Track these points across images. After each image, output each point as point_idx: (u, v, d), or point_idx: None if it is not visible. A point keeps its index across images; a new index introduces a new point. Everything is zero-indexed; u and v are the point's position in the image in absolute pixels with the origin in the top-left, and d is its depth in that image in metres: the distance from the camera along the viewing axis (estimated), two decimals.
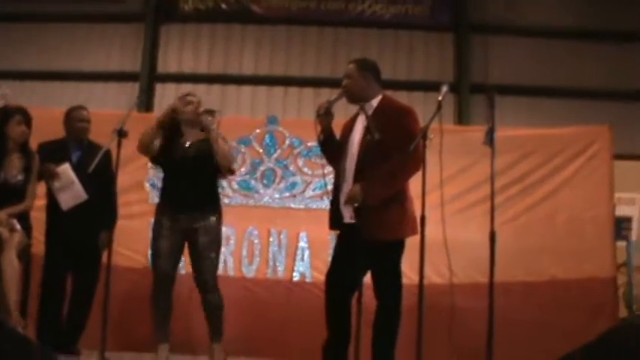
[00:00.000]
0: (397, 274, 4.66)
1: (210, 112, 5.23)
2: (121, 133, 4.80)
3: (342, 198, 4.64)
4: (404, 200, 4.69)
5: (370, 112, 4.66)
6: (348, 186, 4.61)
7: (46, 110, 6.88)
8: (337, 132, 4.90)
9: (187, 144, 5.29)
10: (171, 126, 5.32)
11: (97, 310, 5.72)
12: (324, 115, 4.71)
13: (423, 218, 4.41)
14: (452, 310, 5.05)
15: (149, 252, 6.69)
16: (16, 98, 8.46)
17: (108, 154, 5.50)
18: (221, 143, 5.20)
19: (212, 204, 5.35)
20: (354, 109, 4.93)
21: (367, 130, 4.42)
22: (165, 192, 5.39)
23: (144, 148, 5.33)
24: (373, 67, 4.90)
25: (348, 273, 4.55)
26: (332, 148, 4.82)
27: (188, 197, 5.20)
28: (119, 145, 4.82)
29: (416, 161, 4.48)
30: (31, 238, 5.56)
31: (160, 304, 5.25)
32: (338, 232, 4.84)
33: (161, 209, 5.32)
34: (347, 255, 4.61)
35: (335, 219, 4.75)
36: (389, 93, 10.40)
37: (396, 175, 4.56)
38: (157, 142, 5.28)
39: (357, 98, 4.78)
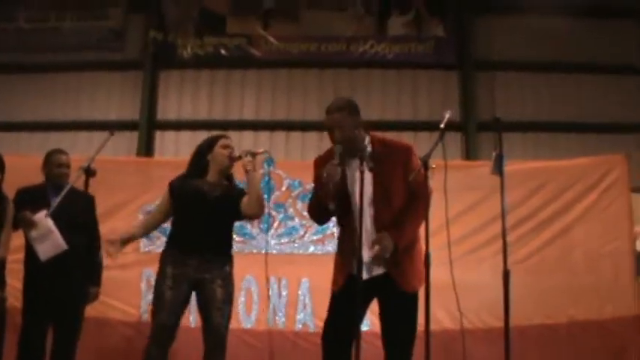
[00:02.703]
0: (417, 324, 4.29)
1: (252, 154, 4.79)
2: (89, 172, 4.47)
3: (366, 254, 4.17)
4: (421, 246, 4.36)
5: (367, 155, 4.20)
6: (367, 244, 4.17)
7: (28, 158, 6.60)
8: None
9: (211, 185, 4.88)
10: (199, 164, 4.97)
11: None
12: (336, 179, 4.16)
13: (427, 256, 4.07)
14: (464, 356, 4.65)
15: (142, 304, 6.44)
16: (13, 149, 8.28)
17: (91, 200, 5.17)
18: (258, 189, 4.81)
19: (226, 252, 4.91)
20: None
21: (360, 160, 4.03)
22: (174, 236, 4.89)
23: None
24: (357, 107, 4.41)
25: (349, 325, 4.14)
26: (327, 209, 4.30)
27: (201, 243, 4.75)
28: (86, 184, 4.49)
29: (429, 196, 4.23)
30: (4, 292, 5.18)
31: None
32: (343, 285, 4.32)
33: (167, 255, 4.82)
34: (352, 307, 4.11)
35: (349, 278, 4.22)
36: (394, 134, 10.23)
37: (419, 215, 4.18)
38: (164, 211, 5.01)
39: (354, 147, 4.27)
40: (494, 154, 4.39)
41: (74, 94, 11.32)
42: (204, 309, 4.75)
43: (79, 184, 5.02)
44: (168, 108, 11.32)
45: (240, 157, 4.84)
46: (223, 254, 4.87)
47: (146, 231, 5.08)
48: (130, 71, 11.42)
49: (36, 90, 11.25)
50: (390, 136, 8.92)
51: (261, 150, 4.94)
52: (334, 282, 4.37)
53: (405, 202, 4.20)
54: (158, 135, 11.16)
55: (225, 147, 4.97)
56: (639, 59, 10.89)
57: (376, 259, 4.13)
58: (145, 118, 11.04)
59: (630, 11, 11.04)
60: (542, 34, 10.95)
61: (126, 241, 4.85)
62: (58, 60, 11.32)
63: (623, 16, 11.10)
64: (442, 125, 4.29)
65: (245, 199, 4.82)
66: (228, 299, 4.79)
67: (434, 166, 4.11)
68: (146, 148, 10.87)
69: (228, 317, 4.77)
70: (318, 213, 4.47)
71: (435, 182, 4.28)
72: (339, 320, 4.28)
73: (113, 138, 10.66)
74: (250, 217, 5.08)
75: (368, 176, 4.21)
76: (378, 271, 4.19)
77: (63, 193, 4.66)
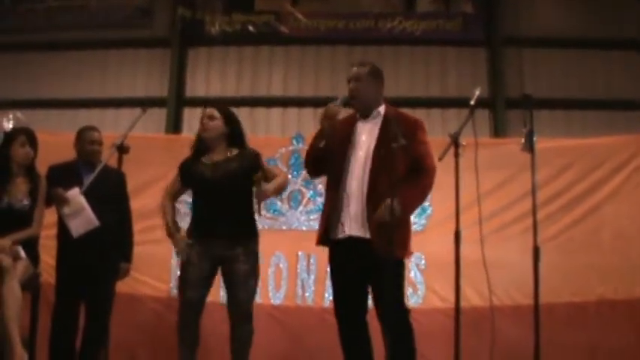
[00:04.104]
0: (404, 294, 4.44)
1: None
2: (121, 149, 4.51)
3: (347, 215, 4.28)
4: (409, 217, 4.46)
5: (380, 121, 4.35)
6: (356, 202, 4.25)
7: (57, 135, 6.66)
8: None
9: (214, 166, 4.83)
10: (199, 143, 4.95)
11: (119, 341, 5.53)
12: (334, 119, 4.29)
13: (457, 234, 4.09)
14: (493, 334, 4.65)
15: (172, 279, 6.52)
16: (42, 126, 8.34)
17: (122, 177, 5.22)
18: (271, 191, 4.76)
19: (249, 228, 4.89)
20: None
21: (392, 136, 4.01)
22: (196, 216, 4.91)
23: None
24: (382, 74, 4.54)
25: (359, 293, 4.32)
26: (324, 157, 4.41)
27: (222, 221, 4.73)
28: (120, 161, 4.53)
29: (434, 173, 4.32)
30: (38, 268, 5.27)
31: (187, 336, 4.75)
32: (331, 247, 4.44)
33: (191, 234, 4.84)
34: (355, 273, 4.28)
35: (327, 234, 4.38)
36: (422, 111, 10.18)
37: (424, 190, 4.33)
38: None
39: (363, 105, 4.41)
40: (524, 130, 4.36)
41: (101, 72, 11.38)
42: (228, 286, 4.80)
43: (112, 161, 5.07)
44: (197, 85, 11.37)
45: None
46: (245, 231, 4.86)
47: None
48: (157, 48, 11.47)
49: (64, 67, 11.33)
50: (419, 113, 8.96)
51: None
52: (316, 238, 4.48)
53: (405, 173, 4.20)
54: (186, 112, 11.20)
55: (210, 118, 4.92)
56: None
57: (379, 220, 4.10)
58: (173, 95, 11.10)
59: None
60: (571, 10, 10.86)
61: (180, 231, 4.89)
62: (86, 38, 11.39)
63: None
64: (472, 102, 4.29)
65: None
66: (253, 274, 4.80)
67: (464, 143, 4.12)
68: (174, 125, 10.92)
69: (252, 292, 4.81)
70: (311, 156, 4.51)
71: (465, 160, 4.28)
72: (344, 293, 4.39)
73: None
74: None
75: (369, 136, 4.33)
76: (356, 232, 4.22)
77: (96, 171, 4.72)
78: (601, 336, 6.22)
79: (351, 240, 4.26)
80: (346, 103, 4.36)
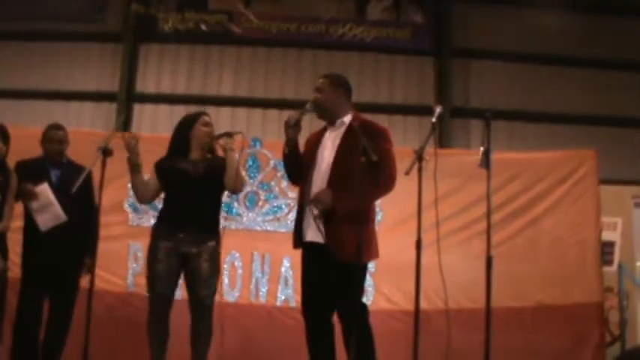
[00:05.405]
0: (362, 296, 4.66)
1: (229, 135, 4.99)
2: (106, 152, 4.63)
3: (307, 222, 4.53)
4: (373, 222, 4.64)
5: (343, 130, 4.59)
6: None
7: (24, 129, 6.68)
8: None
9: (194, 163, 5.03)
10: (181, 142, 5.13)
11: (75, 336, 5.54)
12: (294, 127, 4.57)
13: (419, 242, 4.32)
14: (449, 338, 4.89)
15: (128, 275, 6.62)
16: None
17: (89, 174, 5.29)
18: (236, 167, 4.96)
19: (213, 228, 5.07)
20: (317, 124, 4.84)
21: (362, 151, 4.17)
22: (164, 212, 5.09)
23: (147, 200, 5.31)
24: (345, 83, 4.78)
25: (324, 294, 4.48)
26: (296, 163, 4.70)
27: (190, 219, 4.92)
28: (104, 163, 4.64)
29: (393, 181, 4.53)
30: (7, 261, 5.32)
31: (158, 331, 4.91)
32: (301, 251, 4.69)
33: (158, 230, 5.01)
34: (319, 276, 4.50)
35: (299, 237, 4.62)
36: (369, 116, 10.42)
37: (371, 191, 4.44)
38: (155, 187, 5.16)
39: (327, 114, 4.68)
40: (482, 148, 4.58)
41: (53, 64, 11.35)
42: (190, 282, 4.95)
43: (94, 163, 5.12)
44: (147, 81, 11.43)
45: (218, 137, 5.04)
46: (210, 230, 5.04)
47: (144, 188, 5.14)
48: (109, 43, 11.48)
49: (14, 58, 11.25)
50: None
51: (237, 130, 5.14)
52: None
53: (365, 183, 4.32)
54: (136, 108, 11.26)
55: (206, 124, 5.15)
56: (613, 54, 11.20)
57: (313, 203, 4.39)
58: (123, 90, 11.13)
59: (607, 7, 11.34)
60: (518, 25, 11.20)
61: (135, 156, 4.97)
62: (38, 29, 11.33)
63: (600, 11, 11.38)
64: (434, 120, 4.52)
65: (225, 175, 4.97)
66: (215, 273, 4.99)
67: (427, 158, 4.33)
68: (124, 121, 10.94)
69: (214, 289, 4.97)
70: (285, 165, 4.88)
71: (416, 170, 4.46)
72: (311, 291, 4.60)
73: (91, 109, 10.88)
74: (231, 192, 5.21)
75: (332, 146, 4.57)
76: (315, 238, 4.45)
77: (82, 176, 4.79)
78: (538, 339, 6.48)
79: (312, 245, 4.50)
80: (307, 111, 4.65)
